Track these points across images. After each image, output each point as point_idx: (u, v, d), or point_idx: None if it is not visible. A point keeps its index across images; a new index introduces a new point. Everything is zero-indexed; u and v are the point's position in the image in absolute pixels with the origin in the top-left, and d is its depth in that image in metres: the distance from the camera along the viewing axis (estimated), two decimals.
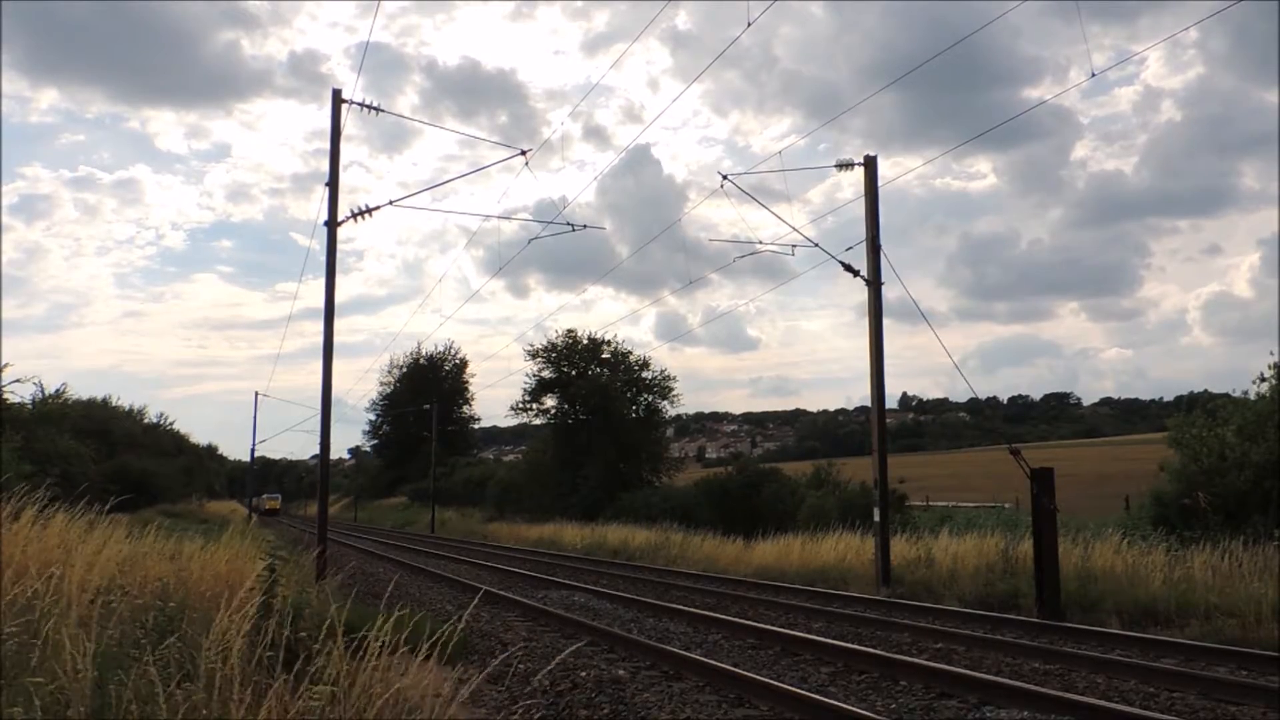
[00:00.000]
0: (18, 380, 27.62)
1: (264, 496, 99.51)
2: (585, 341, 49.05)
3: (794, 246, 19.62)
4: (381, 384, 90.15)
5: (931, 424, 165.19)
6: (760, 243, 20.23)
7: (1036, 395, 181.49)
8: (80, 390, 71.32)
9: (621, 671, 9.48)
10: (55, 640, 5.01)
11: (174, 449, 71.14)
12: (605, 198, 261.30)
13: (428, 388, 79.43)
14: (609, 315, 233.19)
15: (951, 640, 11.41)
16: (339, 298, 17.35)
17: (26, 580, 5.99)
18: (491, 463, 76.82)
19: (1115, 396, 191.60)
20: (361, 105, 17.57)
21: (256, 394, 64.83)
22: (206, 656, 4.76)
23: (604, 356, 48.70)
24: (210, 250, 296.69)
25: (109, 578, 6.92)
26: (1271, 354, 18.71)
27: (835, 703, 7.62)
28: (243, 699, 4.60)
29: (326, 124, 17.81)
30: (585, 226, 19.75)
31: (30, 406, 30.29)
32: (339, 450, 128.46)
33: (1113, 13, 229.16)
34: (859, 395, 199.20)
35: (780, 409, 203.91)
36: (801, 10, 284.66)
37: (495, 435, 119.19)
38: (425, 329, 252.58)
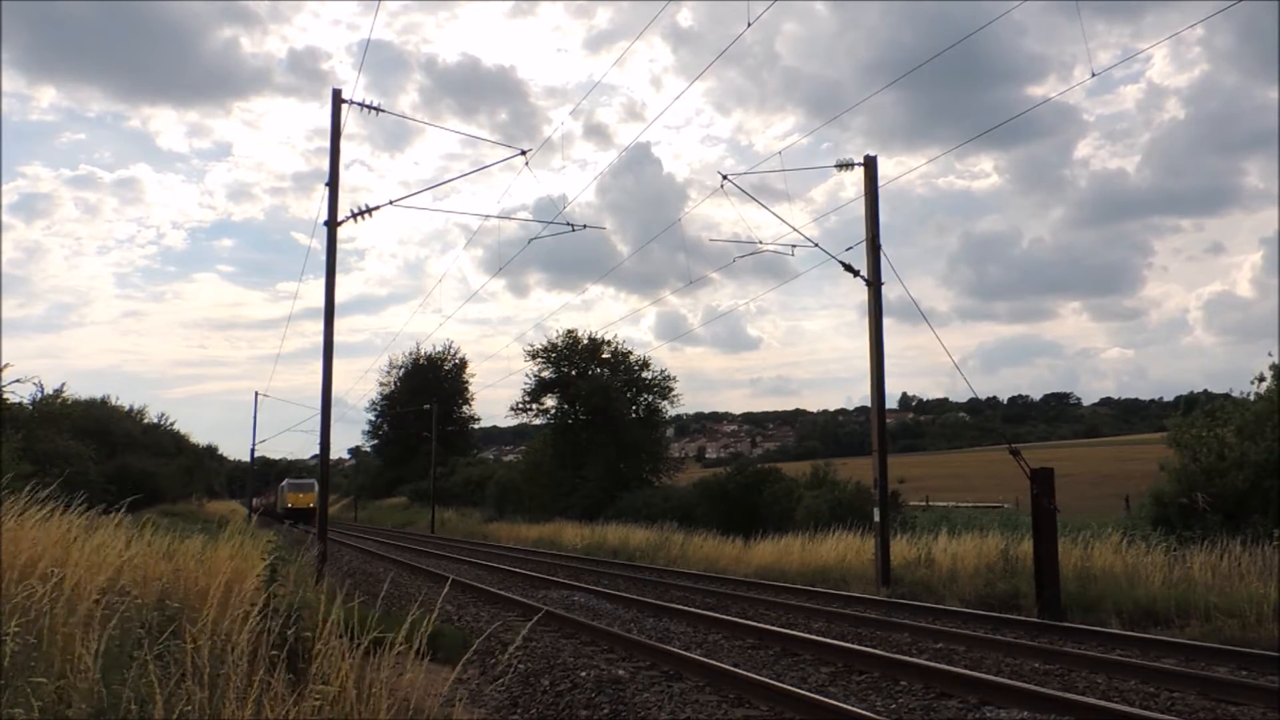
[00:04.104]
0: (18, 380, 27.62)
1: (285, 485, 70.18)
2: (585, 341, 49.05)
3: (794, 246, 19.65)
4: (381, 384, 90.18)
5: (931, 424, 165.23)
6: (760, 243, 20.24)
7: (1037, 395, 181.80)
8: (80, 390, 71.31)
9: (621, 671, 9.48)
10: (56, 640, 5.01)
11: (174, 449, 70.92)
12: (606, 197, 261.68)
13: (427, 388, 79.39)
14: (610, 315, 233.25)
15: (952, 640, 11.41)
16: (340, 297, 17.39)
17: (27, 580, 5.98)
18: (491, 463, 76.78)
19: (1115, 396, 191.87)
20: (362, 105, 17.58)
21: (256, 394, 64.79)
22: (201, 655, 4.76)
23: (604, 356, 48.68)
24: (211, 250, 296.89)
25: (109, 577, 6.91)
26: (1270, 354, 18.76)
27: (835, 703, 7.62)
28: (243, 698, 4.61)
29: (328, 122, 17.83)
30: (585, 226, 19.78)
31: (30, 406, 30.27)
32: (339, 450, 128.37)
33: (1118, 11, 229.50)
34: (859, 395, 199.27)
35: (780, 409, 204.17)
36: (804, 8, 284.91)
37: (495, 435, 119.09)
38: (426, 329, 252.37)
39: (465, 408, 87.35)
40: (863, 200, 18.79)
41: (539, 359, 48.78)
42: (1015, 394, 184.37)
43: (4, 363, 25.03)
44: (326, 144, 17.73)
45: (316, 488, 73.95)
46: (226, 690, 4.66)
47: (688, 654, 9.94)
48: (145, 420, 65.67)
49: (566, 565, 24.87)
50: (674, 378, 48.19)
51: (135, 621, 5.66)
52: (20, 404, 28.93)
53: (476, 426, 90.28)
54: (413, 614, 5.69)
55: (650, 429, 47.75)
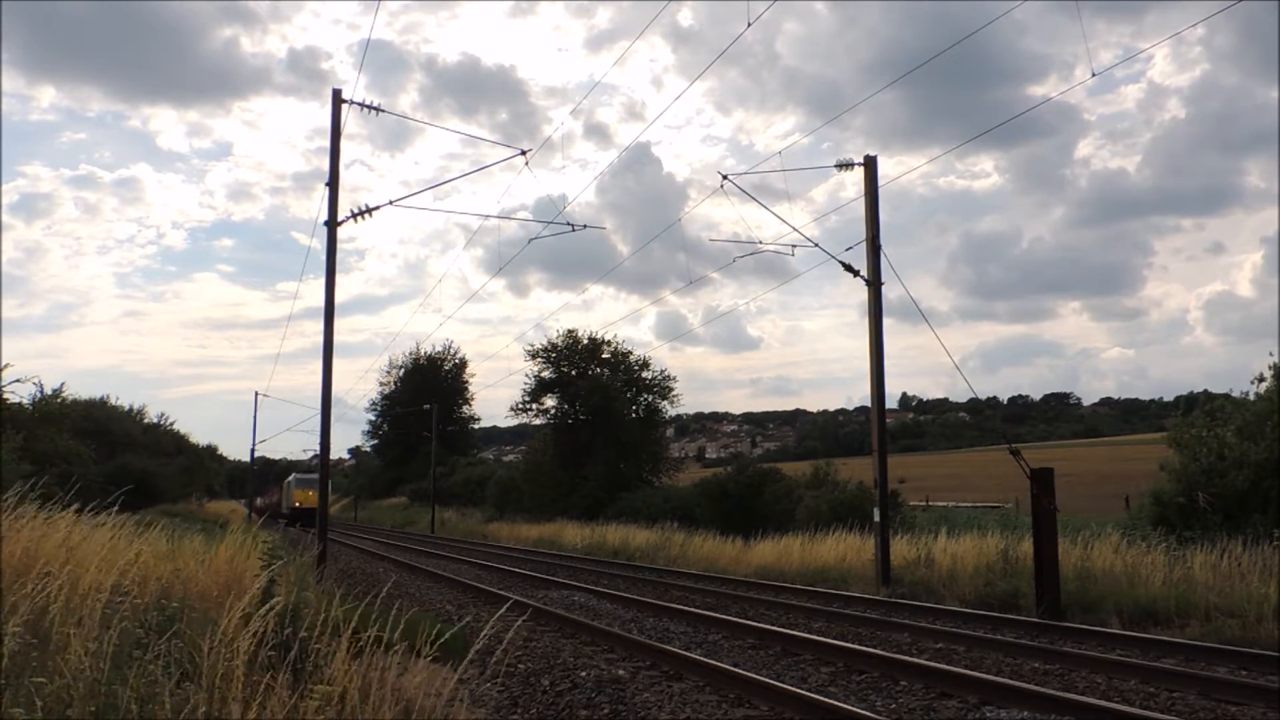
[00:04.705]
0: (18, 380, 27.61)
1: (291, 480, 60.76)
2: (585, 341, 49.04)
3: (794, 246, 19.66)
4: (381, 384, 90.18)
5: (931, 424, 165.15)
6: (760, 243, 20.24)
7: (1037, 395, 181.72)
8: (80, 390, 71.21)
9: (621, 671, 9.49)
10: (58, 640, 5.01)
11: (174, 449, 70.79)
12: (606, 196, 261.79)
13: (427, 388, 79.40)
14: (610, 315, 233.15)
15: (951, 640, 11.41)
16: (340, 297, 17.40)
17: (28, 579, 5.99)
18: (491, 463, 76.75)
19: (1115, 396, 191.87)
20: (362, 105, 17.57)
21: (256, 394, 64.57)
22: (210, 657, 4.76)
23: (604, 356, 48.67)
24: (211, 249, 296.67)
25: (110, 577, 6.92)
26: (1270, 354, 18.75)
27: (835, 703, 7.62)
28: (243, 698, 4.61)
29: (328, 122, 17.83)
30: (585, 226, 19.77)
31: (30, 406, 30.25)
32: (339, 450, 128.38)
33: (1118, 10, 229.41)
34: (859, 395, 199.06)
35: (780, 409, 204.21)
36: (804, 8, 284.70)
37: (495, 435, 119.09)
38: (426, 329, 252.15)
39: (465, 408, 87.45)
40: (863, 200, 18.79)
41: (539, 359, 48.80)
42: (1015, 394, 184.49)
43: (4, 363, 25.05)
44: (326, 144, 17.75)
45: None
46: (227, 691, 4.66)
47: (688, 654, 9.94)
48: (145, 420, 65.59)
49: (566, 565, 24.88)
50: (674, 378, 48.22)
51: (135, 622, 5.66)
52: (20, 404, 28.93)
53: (476, 426, 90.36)
54: (413, 614, 5.69)
55: (650, 429, 47.73)
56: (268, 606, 5.74)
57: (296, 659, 5.41)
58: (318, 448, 19.71)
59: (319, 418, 17.81)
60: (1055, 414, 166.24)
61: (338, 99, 17.58)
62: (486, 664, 9.60)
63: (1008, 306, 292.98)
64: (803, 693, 7.90)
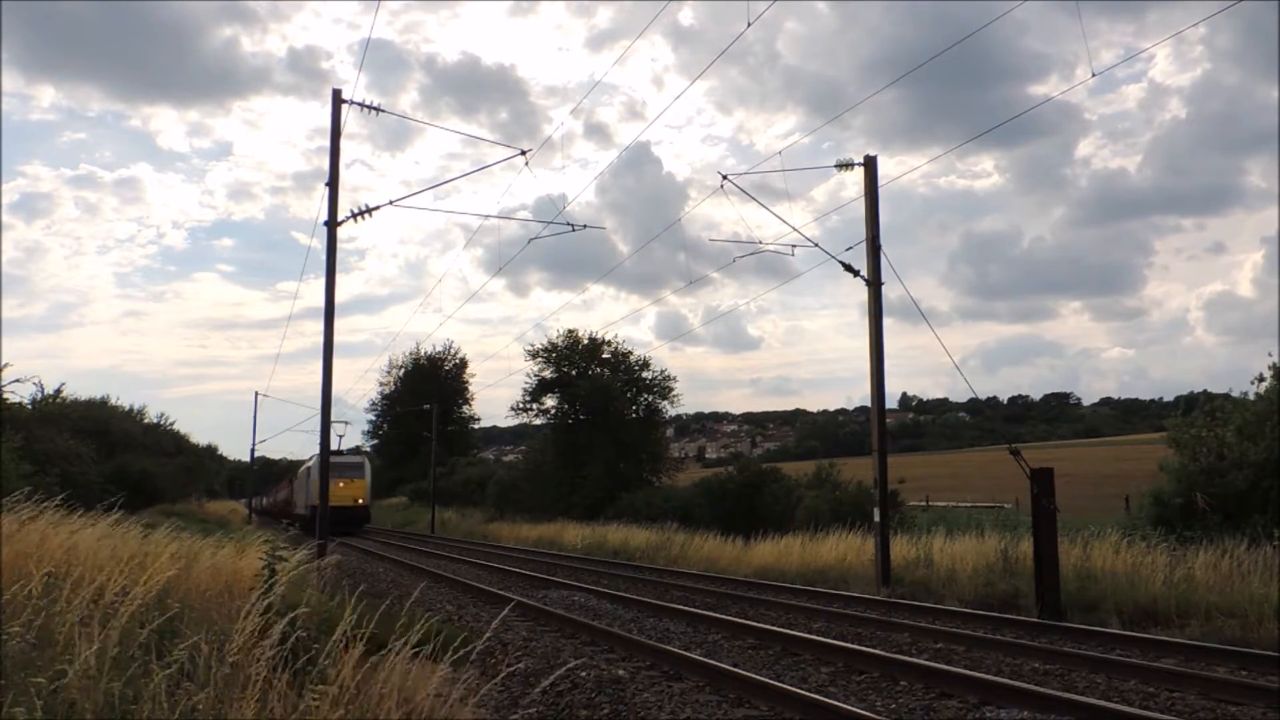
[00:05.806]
0: (18, 380, 27.64)
1: (310, 468, 44.53)
2: (585, 341, 49.03)
3: (794, 246, 19.67)
4: (381, 384, 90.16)
5: (931, 424, 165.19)
6: (760, 243, 20.26)
7: (1037, 395, 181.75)
8: (80, 390, 71.14)
9: (621, 671, 9.49)
10: (58, 640, 5.02)
11: (174, 449, 70.67)
12: (606, 196, 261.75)
13: (428, 388, 79.40)
14: (610, 315, 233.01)
15: (951, 640, 11.42)
16: (340, 297, 17.41)
17: (28, 580, 5.99)
18: (491, 463, 76.77)
19: (1116, 396, 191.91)
20: (362, 105, 17.59)
21: (256, 394, 64.61)
22: (202, 655, 4.77)
23: (604, 356, 48.67)
24: (211, 249, 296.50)
25: (110, 577, 6.92)
26: (1270, 354, 18.76)
27: (835, 703, 7.62)
28: (244, 698, 4.61)
29: (328, 122, 17.84)
30: (585, 226, 19.79)
31: (30, 406, 30.26)
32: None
33: (1119, 10, 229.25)
34: (859, 395, 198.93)
35: (780, 409, 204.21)
36: (805, 7, 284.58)
37: (495, 435, 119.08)
38: (426, 329, 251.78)
39: (465, 408, 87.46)
40: (863, 200, 18.80)
41: (539, 359, 48.76)
42: (1015, 394, 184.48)
43: (4, 363, 25.08)
44: (326, 143, 17.76)
45: (368, 469, 46.32)
46: (228, 690, 4.66)
47: (688, 654, 9.95)
48: (145, 420, 65.52)
49: (567, 565, 24.88)
50: (674, 378, 48.15)
51: (136, 621, 5.66)
52: (20, 404, 28.94)
53: (477, 426, 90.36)
54: (415, 615, 5.69)
55: (650, 429, 47.72)
56: (268, 605, 5.75)
57: (297, 659, 5.42)
58: (318, 448, 19.70)
59: (319, 418, 17.82)
60: (1055, 414, 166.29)
61: (338, 99, 17.60)
62: (486, 664, 9.61)
63: (1008, 306, 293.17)
64: (803, 693, 7.91)
